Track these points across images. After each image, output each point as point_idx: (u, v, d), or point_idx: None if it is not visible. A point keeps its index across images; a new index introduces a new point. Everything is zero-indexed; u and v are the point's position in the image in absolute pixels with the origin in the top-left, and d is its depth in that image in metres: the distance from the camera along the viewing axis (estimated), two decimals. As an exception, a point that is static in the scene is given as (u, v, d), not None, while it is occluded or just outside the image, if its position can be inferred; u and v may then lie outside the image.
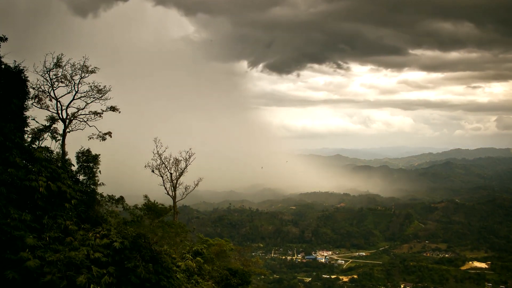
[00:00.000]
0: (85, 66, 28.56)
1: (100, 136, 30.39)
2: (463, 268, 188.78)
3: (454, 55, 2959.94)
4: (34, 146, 24.87)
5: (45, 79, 27.35)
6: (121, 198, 30.65)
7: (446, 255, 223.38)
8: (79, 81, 28.60)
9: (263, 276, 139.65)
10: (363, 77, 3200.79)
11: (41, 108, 27.39)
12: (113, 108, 30.79)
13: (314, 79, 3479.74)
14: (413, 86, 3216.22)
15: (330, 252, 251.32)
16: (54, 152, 25.00)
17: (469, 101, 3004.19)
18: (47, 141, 26.63)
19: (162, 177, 40.80)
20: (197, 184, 43.07)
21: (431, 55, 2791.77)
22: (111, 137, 30.74)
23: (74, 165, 27.40)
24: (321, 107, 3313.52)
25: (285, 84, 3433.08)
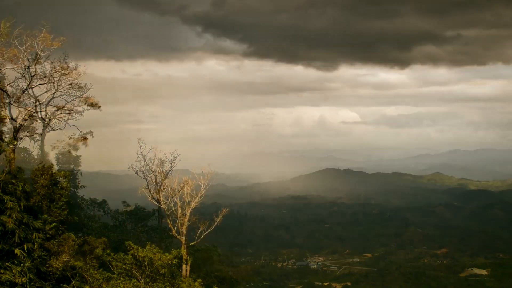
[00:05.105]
0: (65, 63, 28.53)
1: (81, 136, 30.41)
2: (462, 275, 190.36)
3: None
4: (11, 147, 24.90)
5: (23, 76, 27.26)
6: (104, 201, 30.82)
7: (445, 261, 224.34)
8: (59, 78, 28.47)
9: (252, 283, 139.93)
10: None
11: (19, 107, 27.35)
12: (92, 105, 30.73)
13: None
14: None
15: (322, 258, 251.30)
16: (33, 153, 25.13)
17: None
18: (26, 142, 26.73)
19: (146, 179, 40.83)
20: (182, 187, 43.18)
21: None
22: (92, 136, 30.86)
23: (54, 166, 27.49)
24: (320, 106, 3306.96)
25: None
